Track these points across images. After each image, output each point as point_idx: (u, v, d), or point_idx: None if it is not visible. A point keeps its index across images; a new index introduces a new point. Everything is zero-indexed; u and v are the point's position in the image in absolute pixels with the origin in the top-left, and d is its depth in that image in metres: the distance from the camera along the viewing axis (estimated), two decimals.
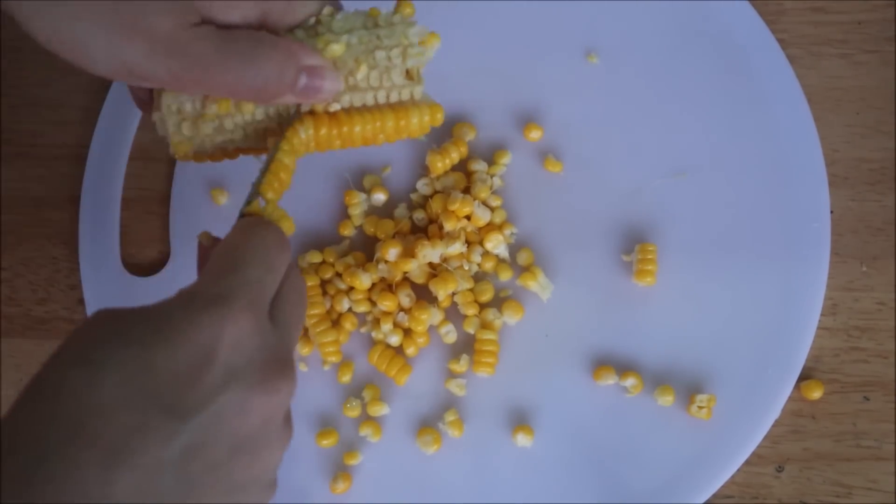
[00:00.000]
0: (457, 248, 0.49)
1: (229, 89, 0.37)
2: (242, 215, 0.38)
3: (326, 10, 0.40)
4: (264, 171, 0.39)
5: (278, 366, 0.34)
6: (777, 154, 0.51)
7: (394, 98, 0.41)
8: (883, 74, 0.53)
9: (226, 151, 0.42)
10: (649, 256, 0.50)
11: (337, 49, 0.39)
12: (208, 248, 0.39)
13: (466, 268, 0.50)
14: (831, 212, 0.51)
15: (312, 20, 0.39)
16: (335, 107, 0.40)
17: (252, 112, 0.40)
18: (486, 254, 0.51)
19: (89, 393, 0.31)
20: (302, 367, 0.51)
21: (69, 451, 0.29)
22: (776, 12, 0.54)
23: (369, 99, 0.40)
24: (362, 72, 0.39)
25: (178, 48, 0.36)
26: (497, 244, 0.50)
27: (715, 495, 0.48)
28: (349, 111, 0.40)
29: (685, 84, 0.53)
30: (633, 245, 0.51)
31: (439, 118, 0.42)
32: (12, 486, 0.29)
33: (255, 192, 0.39)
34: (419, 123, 0.41)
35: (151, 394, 0.31)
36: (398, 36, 0.40)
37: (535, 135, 0.52)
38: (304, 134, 0.40)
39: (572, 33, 0.53)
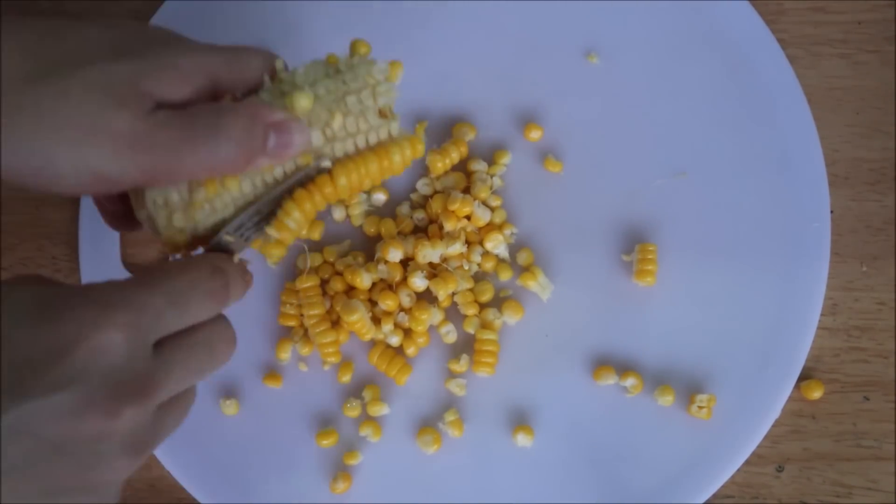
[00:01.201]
0: (457, 248, 0.49)
1: (203, 168, 0.36)
2: (211, 248, 0.39)
3: (278, 63, 0.39)
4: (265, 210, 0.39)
5: (130, 392, 0.33)
6: (777, 154, 0.51)
7: (372, 139, 0.40)
8: (883, 74, 0.53)
9: (218, 229, 0.40)
10: (649, 256, 0.50)
11: (306, 103, 0.38)
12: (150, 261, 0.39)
13: (466, 268, 0.50)
14: (831, 212, 0.51)
15: (268, 80, 0.39)
16: (325, 163, 0.39)
17: (238, 187, 0.39)
18: (486, 254, 0.51)
19: None
20: (302, 367, 0.51)
21: None
22: (776, 12, 0.54)
23: (349, 146, 0.40)
24: (337, 121, 0.39)
25: (142, 140, 0.35)
26: (497, 244, 0.50)
27: (715, 495, 0.48)
28: (331, 167, 0.40)
29: (685, 84, 0.53)
30: (633, 245, 0.51)
31: (420, 150, 0.41)
32: None
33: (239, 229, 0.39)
34: (402, 160, 0.41)
35: None
36: (363, 77, 0.40)
37: (535, 135, 0.52)
38: (292, 224, 0.39)
39: (572, 33, 0.53)
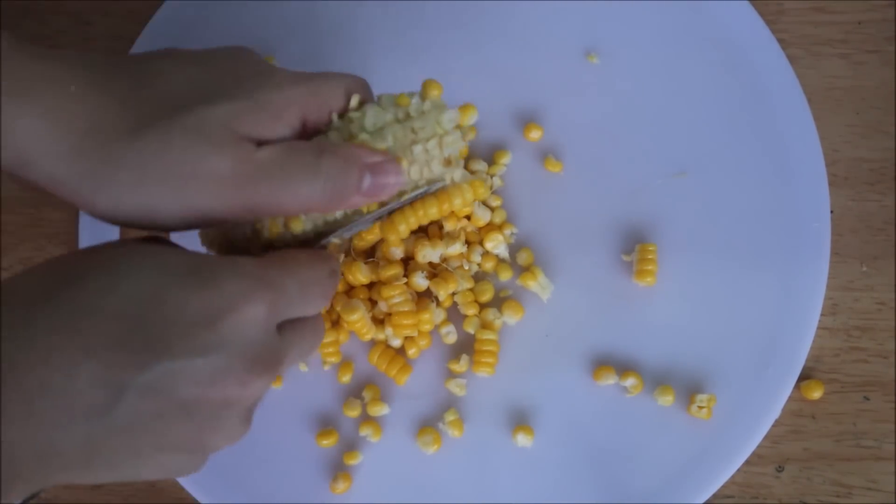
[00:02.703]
0: (457, 248, 0.49)
1: (301, 204, 0.37)
2: (323, 246, 0.40)
3: (354, 100, 0.39)
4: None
5: (263, 366, 0.35)
6: (777, 154, 0.51)
7: (433, 188, 0.41)
8: (883, 74, 0.53)
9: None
10: (649, 256, 0.50)
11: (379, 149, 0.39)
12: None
13: (466, 268, 0.50)
14: (831, 212, 0.51)
15: (336, 118, 0.39)
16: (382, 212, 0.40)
17: (302, 227, 0.39)
18: (486, 254, 0.51)
19: (100, 295, 0.33)
20: (302, 367, 0.51)
21: (55, 328, 0.32)
22: (776, 12, 0.54)
23: (411, 193, 0.40)
24: (404, 167, 0.39)
25: (244, 181, 0.36)
26: (497, 244, 0.50)
27: (715, 495, 0.48)
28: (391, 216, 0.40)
29: (685, 84, 0.53)
30: (633, 245, 0.51)
31: (482, 193, 0.42)
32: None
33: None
34: (462, 203, 0.42)
35: (146, 321, 0.33)
36: (432, 125, 0.39)
37: (535, 135, 0.52)
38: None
39: (572, 33, 0.53)
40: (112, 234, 0.53)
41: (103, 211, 0.36)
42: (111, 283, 0.33)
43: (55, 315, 0.32)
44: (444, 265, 0.50)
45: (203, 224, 0.37)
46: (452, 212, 0.49)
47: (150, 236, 0.38)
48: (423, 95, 0.40)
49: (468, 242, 0.50)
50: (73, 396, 0.32)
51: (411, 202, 0.41)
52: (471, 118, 0.41)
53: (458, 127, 0.40)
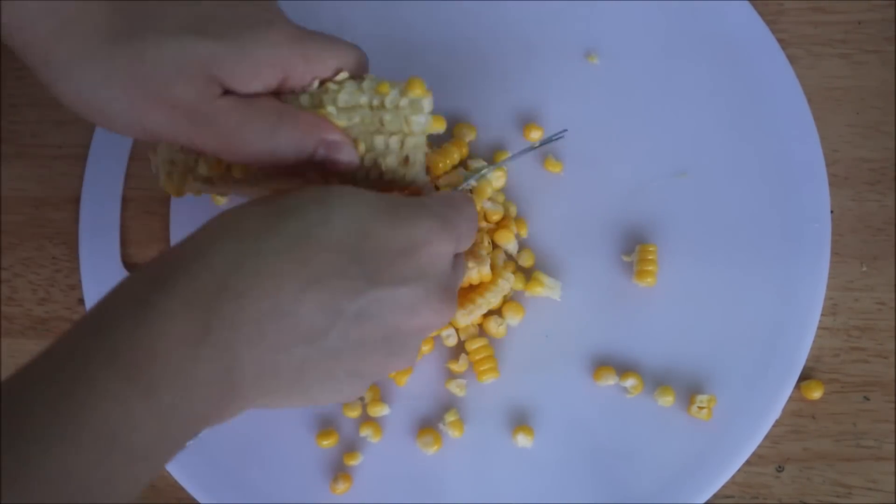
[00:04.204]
0: (486, 270, 0.48)
1: (247, 159, 0.38)
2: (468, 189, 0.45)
3: (340, 76, 0.40)
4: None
5: (451, 295, 0.39)
6: (777, 154, 0.51)
7: (387, 178, 0.41)
8: (883, 74, 0.53)
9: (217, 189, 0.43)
10: (650, 257, 0.50)
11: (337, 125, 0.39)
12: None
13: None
14: (831, 212, 0.51)
15: (316, 85, 0.39)
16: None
17: (242, 173, 0.40)
18: (495, 248, 0.50)
19: (319, 227, 0.35)
20: None
21: (278, 263, 0.34)
22: (776, 12, 0.54)
23: (359, 174, 0.40)
24: (360, 150, 0.40)
25: (200, 118, 0.37)
26: (509, 240, 0.50)
27: (715, 495, 0.48)
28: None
29: (685, 84, 0.53)
30: (633, 245, 0.51)
31: (427, 90, 0.41)
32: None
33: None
34: (422, 126, 0.41)
35: (359, 253, 0.35)
36: (401, 122, 0.40)
37: (535, 135, 0.52)
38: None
39: (572, 33, 0.53)
40: (112, 233, 0.53)
41: (62, 94, 0.38)
42: (326, 215, 0.35)
43: (281, 245, 0.34)
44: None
45: (147, 139, 0.39)
46: None
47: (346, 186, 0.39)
48: (403, 91, 0.40)
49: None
50: (299, 320, 0.34)
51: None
52: (439, 128, 0.41)
53: (426, 131, 0.40)
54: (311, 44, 0.39)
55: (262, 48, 0.38)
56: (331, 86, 0.39)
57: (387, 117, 0.40)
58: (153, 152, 0.43)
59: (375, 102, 0.40)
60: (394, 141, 0.40)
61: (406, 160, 0.40)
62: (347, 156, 0.39)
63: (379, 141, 0.40)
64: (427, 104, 0.40)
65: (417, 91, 0.40)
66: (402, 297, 0.36)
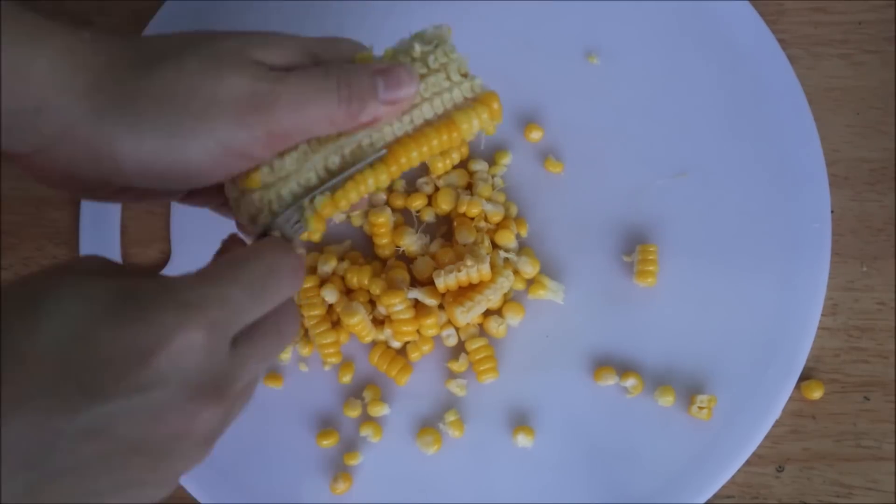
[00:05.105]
0: (486, 269, 0.48)
1: (321, 118, 0.37)
2: (264, 233, 0.38)
3: (360, 55, 0.40)
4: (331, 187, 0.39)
5: (208, 394, 0.33)
6: (777, 154, 0.51)
7: (457, 97, 0.40)
8: (883, 74, 0.53)
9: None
10: (650, 257, 0.50)
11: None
12: (226, 248, 0.39)
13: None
14: (831, 212, 0.51)
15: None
16: (381, 153, 0.39)
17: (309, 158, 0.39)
18: (495, 249, 0.50)
19: (22, 341, 0.31)
20: (302, 368, 0.51)
21: None
22: (776, 12, 0.54)
23: (427, 111, 0.40)
24: (417, 73, 0.39)
25: (262, 100, 0.36)
26: (509, 240, 0.50)
27: (715, 495, 0.48)
28: (395, 146, 0.39)
29: (685, 84, 0.53)
30: (633, 245, 0.51)
31: (496, 109, 0.40)
32: None
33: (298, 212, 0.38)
34: (469, 129, 0.40)
35: (74, 363, 0.31)
36: (441, 56, 0.40)
37: (535, 135, 0.52)
38: (346, 202, 0.39)
39: (572, 33, 0.53)
40: (112, 233, 0.53)
41: (127, 154, 0.35)
42: (31, 325, 0.31)
43: None
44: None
45: (231, 163, 0.37)
46: (463, 214, 0.49)
47: (88, 256, 0.36)
48: (425, 39, 0.41)
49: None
50: (7, 448, 0.30)
51: (407, 136, 0.40)
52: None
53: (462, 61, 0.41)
54: (319, 38, 0.40)
55: (282, 35, 0.39)
56: (361, 57, 0.40)
57: (430, 58, 0.40)
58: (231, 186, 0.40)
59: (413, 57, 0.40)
60: (440, 53, 0.40)
61: (465, 74, 0.41)
62: (408, 77, 0.38)
63: (432, 59, 0.40)
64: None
65: (447, 33, 0.41)
66: (137, 408, 0.31)
